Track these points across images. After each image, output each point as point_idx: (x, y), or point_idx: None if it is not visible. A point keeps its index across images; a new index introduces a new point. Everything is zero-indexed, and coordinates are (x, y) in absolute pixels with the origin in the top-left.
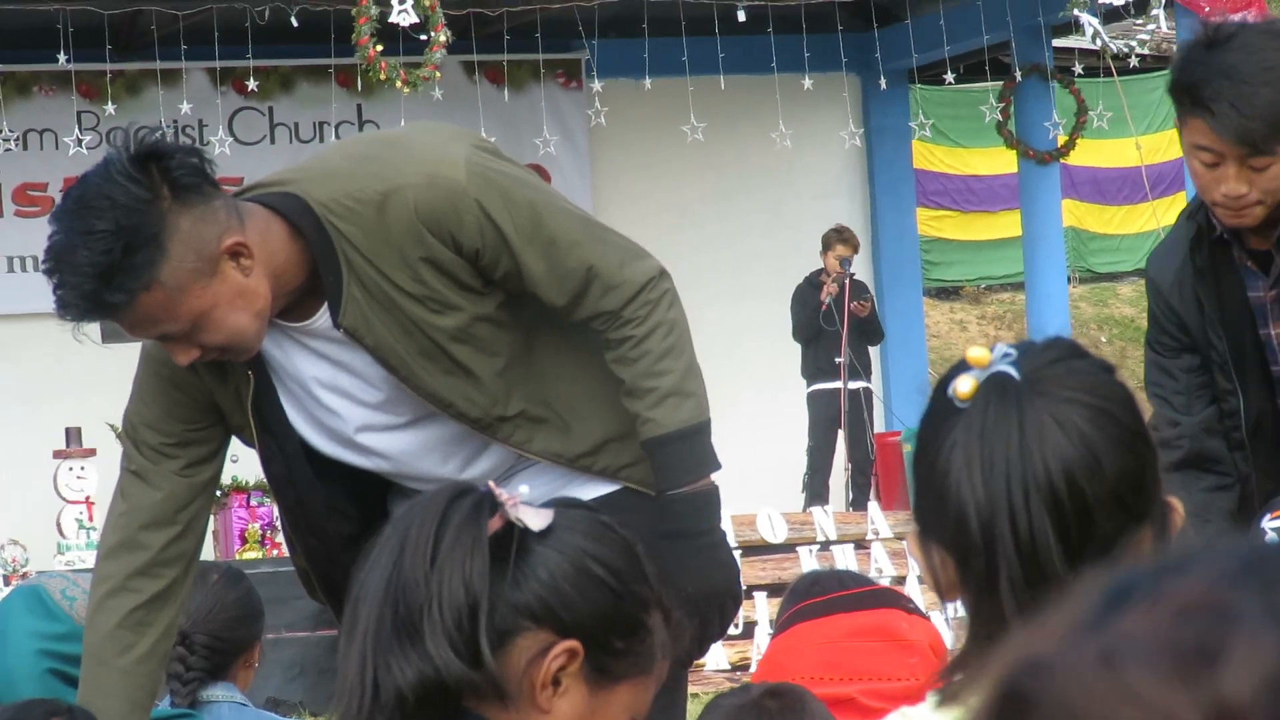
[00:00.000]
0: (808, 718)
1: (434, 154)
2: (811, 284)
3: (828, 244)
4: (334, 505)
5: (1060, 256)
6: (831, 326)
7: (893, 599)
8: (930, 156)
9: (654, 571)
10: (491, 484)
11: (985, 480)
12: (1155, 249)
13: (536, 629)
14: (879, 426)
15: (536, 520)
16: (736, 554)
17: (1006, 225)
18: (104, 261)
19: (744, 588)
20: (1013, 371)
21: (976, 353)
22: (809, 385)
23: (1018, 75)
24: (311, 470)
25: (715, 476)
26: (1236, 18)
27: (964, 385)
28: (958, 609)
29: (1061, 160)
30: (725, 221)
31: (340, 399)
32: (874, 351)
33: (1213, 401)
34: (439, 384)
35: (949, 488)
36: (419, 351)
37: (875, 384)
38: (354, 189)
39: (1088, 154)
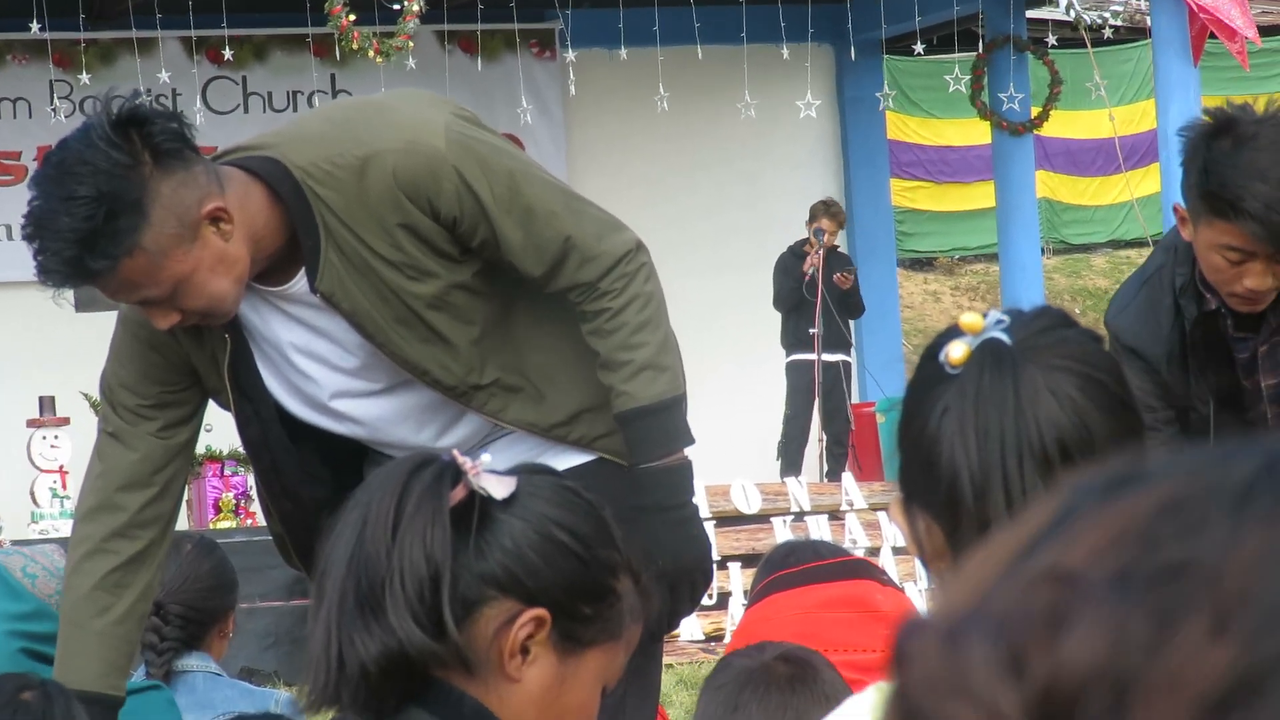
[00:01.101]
0: (820, 686)
1: (414, 120)
2: (795, 253)
3: (812, 215)
4: (309, 470)
5: (1034, 228)
6: (812, 298)
7: (868, 570)
8: (904, 127)
9: (622, 536)
10: (455, 453)
11: (979, 446)
12: (1124, 315)
13: (502, 598)
14: (855, 398)
15: (500, 488)
16: (710, 525)
17: (980, 196)
18: (86, 228)
19: (718, 558)
20: (1005, 338)
21: (970, 319)
22: (788, 355)
23: (982, 46)
24: (287, 435)
25: (691, 447)
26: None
27: (957, 351)
28: (933, 581)
29: (1035, 131)
30: (700, 193)
31: (316, 364)
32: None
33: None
34: (415, 351)
35: (940, 453)
36: (395, 318)
37: (849, 355)
38: (333, 154)
39: (1061, 125)
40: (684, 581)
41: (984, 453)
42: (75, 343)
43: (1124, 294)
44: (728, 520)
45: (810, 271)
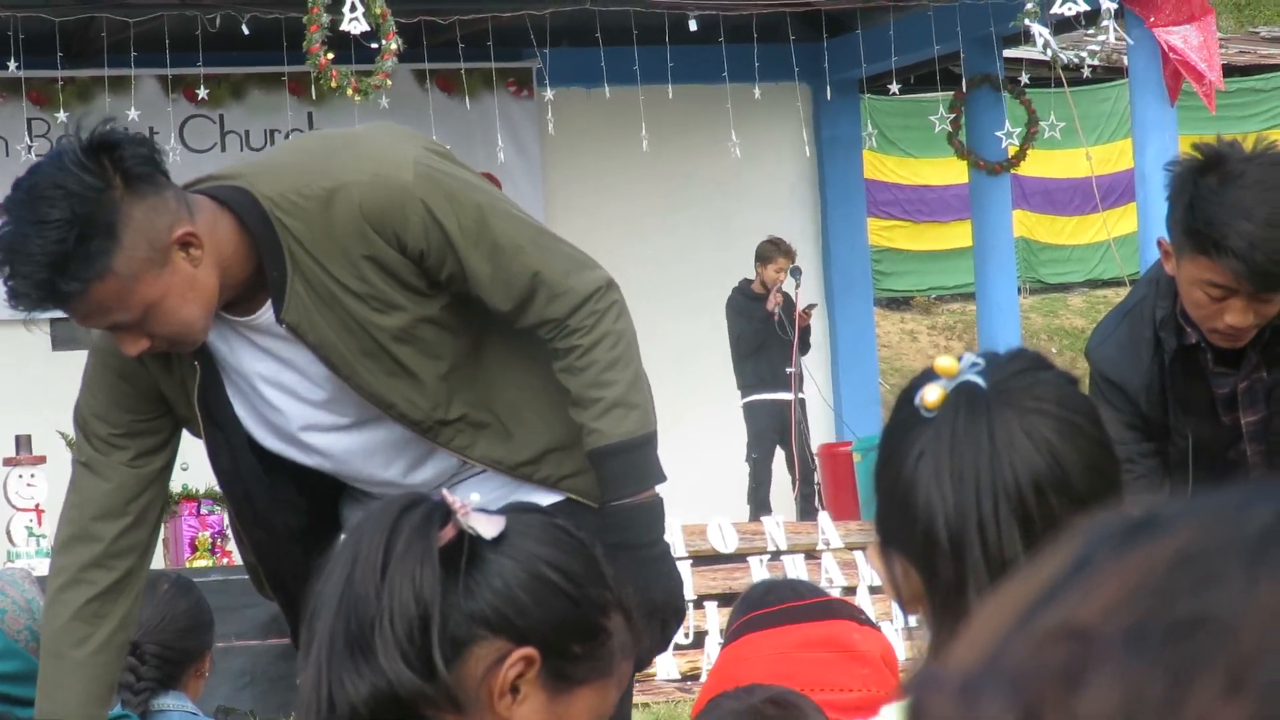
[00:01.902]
0: None
1: (382, 153)
2: (745, 295)
3: (765, 256)
4: (283, 497)
5: (1011, 267)
6: (786, 336)
7: (846, 610)
8: (881, 167)
9: (613, 574)
10: (445, 492)
11: (955, 490)
12: (1105, 346)
13: (492, 637)
14: (826, 436)
15: (489, 527)
16: (686, 564)
17: (957, 235)
18: (58, 250)
19: (694, 597)
20: (980, 381)
21: (945, 362)
22: (745, 396)
23: (964, 86)
24: (260, 465)
25: (666, 486)
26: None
27: (932, 395)
28: (910, 621)
29: (1012, 171)
30: (676, 233)
31: (284, 396)
32: (822, 361)
33: (1162, 484)
34: (381, 384)
35: (916, 498)
36: (361, 351)
37: (825, 394)
38: (301, 185)
39: (1039, 164)
40: (654, 620)
41: (959, 496)
42: (51, 381)
43: (1105, 326)
44: (704, 560)
45: (777, 311)
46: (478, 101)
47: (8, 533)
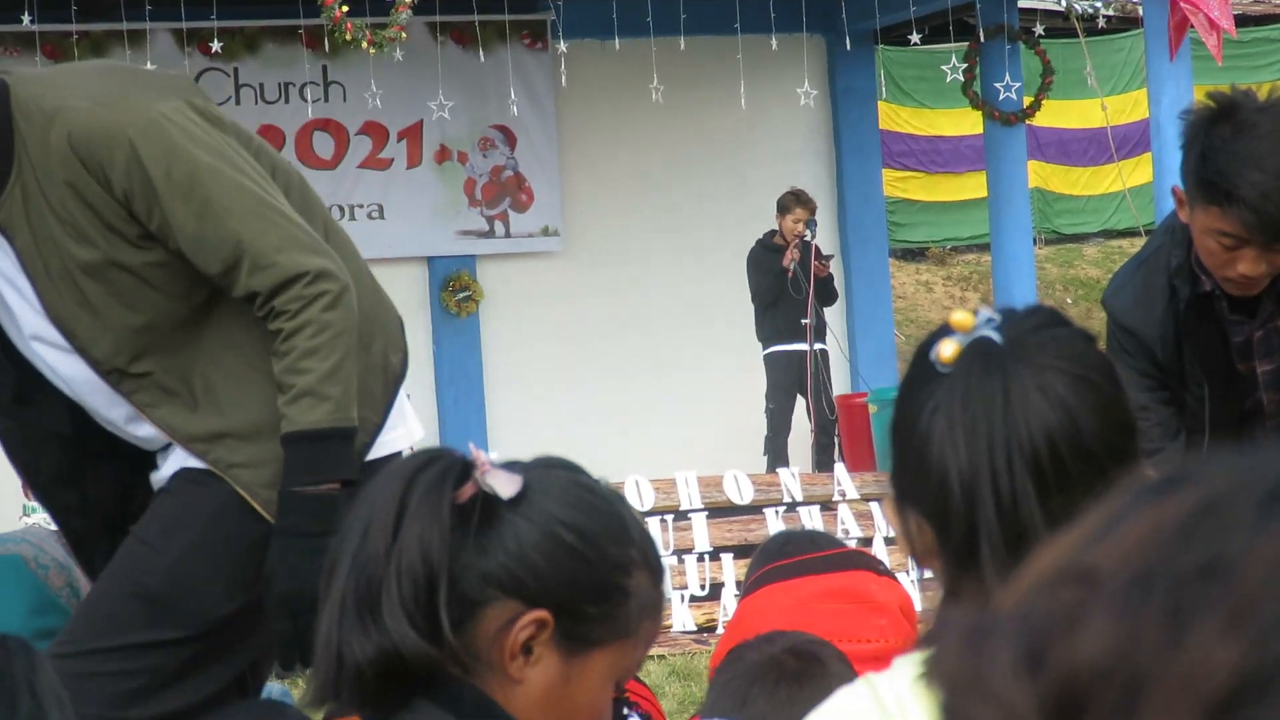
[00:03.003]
0: (827, 680)
1: (121, 93)
2: (765, 247)
3: (785, 207)
4: (52, 424)
5: (1026, 218)
6: (799, 294)
7: (864, 561)
8: (896, 118)
9: (640, 531)
10: (472, 447)
11: (968, 444)
12: (1120, 295)
13: (505, 599)
14: (842, 388)
15: (507, 486)
16: (702, 516)
17: (972, 187)
18: None
19: (710, 548)
20: (996, 337)
21: (960, 317)
22: (765, 347)
23: (979, 36)
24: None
25: (685, 439)
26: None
27: (947, 349)
28: (924, 575)
29: (1027, 121)
30: (690, 186)
31: (16, 298)
32: (838, 313)
33: (1179, 430)
34: (67, 310)
35: (930, 452)
36: (55, 271)
37: (841, 345)
38: (40, 96)
39: (1053, 115)
40: (284, 610)
41: (973, 452)
42: None
43: (1122, 274)
44: (720, 511)
45: (792, 265)
46: (491, 54)
47: (24, 490)
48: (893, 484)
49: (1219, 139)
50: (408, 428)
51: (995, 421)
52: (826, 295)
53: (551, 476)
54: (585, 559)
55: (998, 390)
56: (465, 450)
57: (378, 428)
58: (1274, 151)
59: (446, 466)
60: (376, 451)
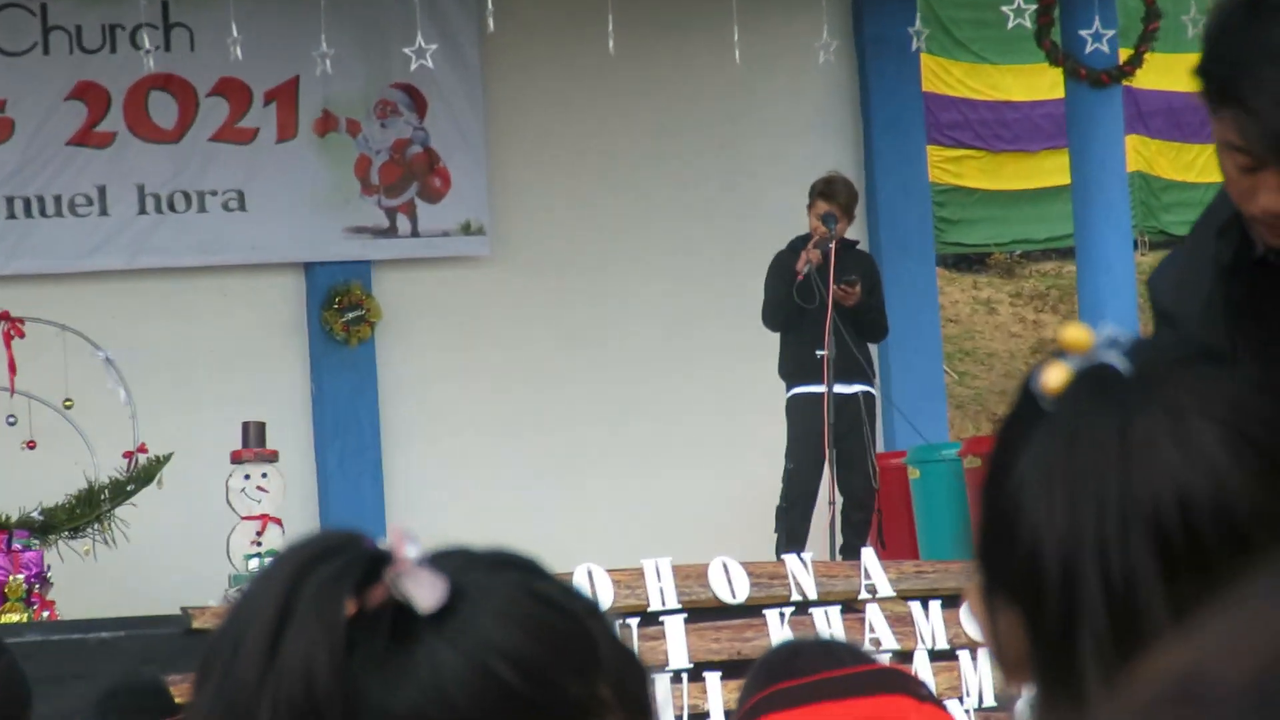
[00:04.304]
0: None
1: None
2: (795, 250)
3: (811, 196)
4: None
5: (1123, 212)
6: (810, 303)
7: (899, 682)
8: (946, 76)
9: (618, 656)
10: (395, 530)
11: (1070, 503)
12: (1162, 266)
13: None
14: (880, 444)
15: (427, 594)
16: (679, 619)
17: (1049, 170)
18: None
19: (690, 665)
20: (1121, 363)
21: (1075, 333)
22: (789, 388)
23: None
24: None
25: (652, 515)
26: None
27: (1054, 377)
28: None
29: (1125, 82)
30: (664, 167)
31: None
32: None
33: None
34: None
35: (1021, 514)
36: None
37: (872, 385)
38: None
39: (1159, 74)
40: None
41: (1075, 514)
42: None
43: (1179, 245)
44: (704, 613)
45: (806, 270)
46: None
47: (226, 548)
48: (979, 563)
49: (1235, 19)
50: None
51: (1108, 475)
52: (863, 328)
53: (494, 581)
54: (529, 702)
55: (1114, 433)
56: (379, 532)
57: None
58: None
59: (348, 561)
60: None
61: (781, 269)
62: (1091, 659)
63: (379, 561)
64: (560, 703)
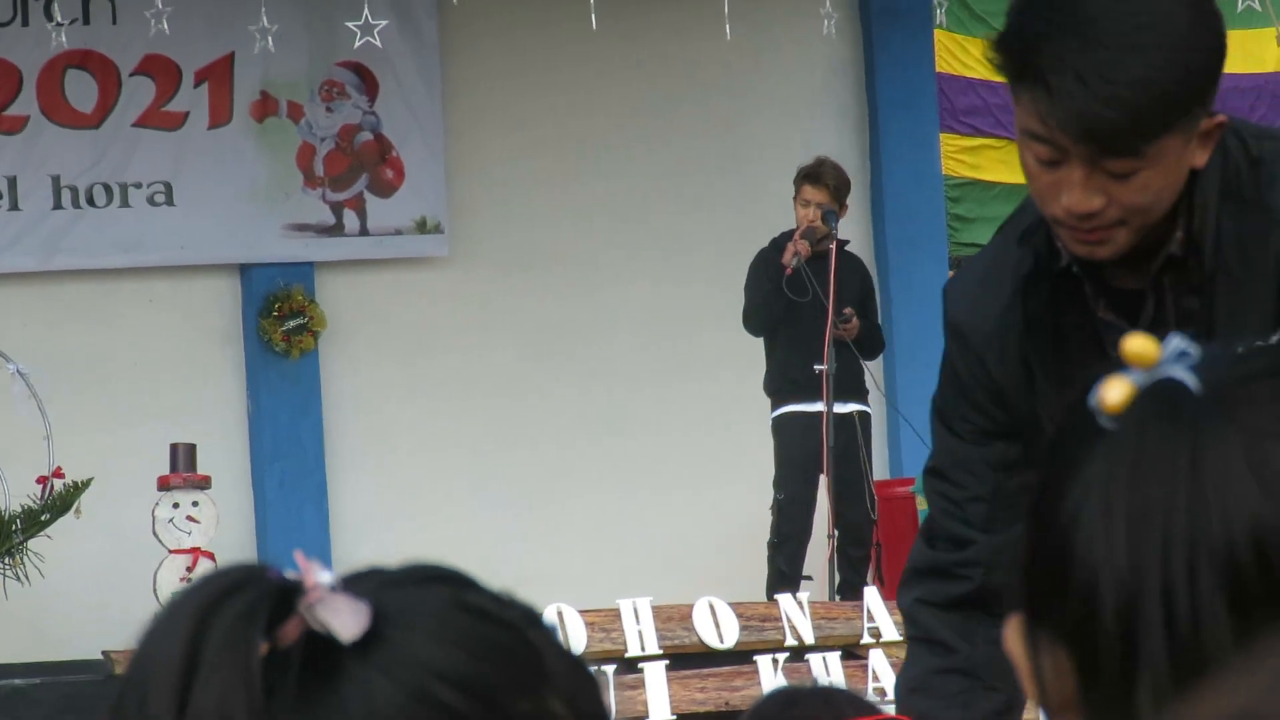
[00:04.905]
0: None
1: None
2: (779, 247)
3: (796, 185)
4: None
5: None
6: (802, 297)
7: None
8: (963, 56)
9: (566, 667)
10: (300, 557)
11: (1132, 537)
12: (957, 275)
13: None
14: (879, 471)
15: (349, 622)
16: (660, 666)
17: None
18: None
19: (673, 717)
20: (1190, 380)
21: (1138, 345)
22: (775, 406)
23: None
24: None
25: (631, 549)
26: None
27: (1115, 393)
28: None
29: None
30: (647, 156)
31: None
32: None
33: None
34: None
35: (1075, 546)
36: None
37: (877, 405)
38: None
39: None
40: None
41: (1137, 549)
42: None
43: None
44: (688, 659)
45: (795, 263)
46: None
47: (153, 585)
48: (1023, 598)
49: None
50: None
51: (1176, 506)
52: (863, 346)
53: (419, 599)
54: None
55: (1183, 459)
56: (287, 563)
57: None
58: (1111, 10)
59: (257, 596)
60: None
61: (765, 267)
62: (1150, 706)
63: (289, 593)
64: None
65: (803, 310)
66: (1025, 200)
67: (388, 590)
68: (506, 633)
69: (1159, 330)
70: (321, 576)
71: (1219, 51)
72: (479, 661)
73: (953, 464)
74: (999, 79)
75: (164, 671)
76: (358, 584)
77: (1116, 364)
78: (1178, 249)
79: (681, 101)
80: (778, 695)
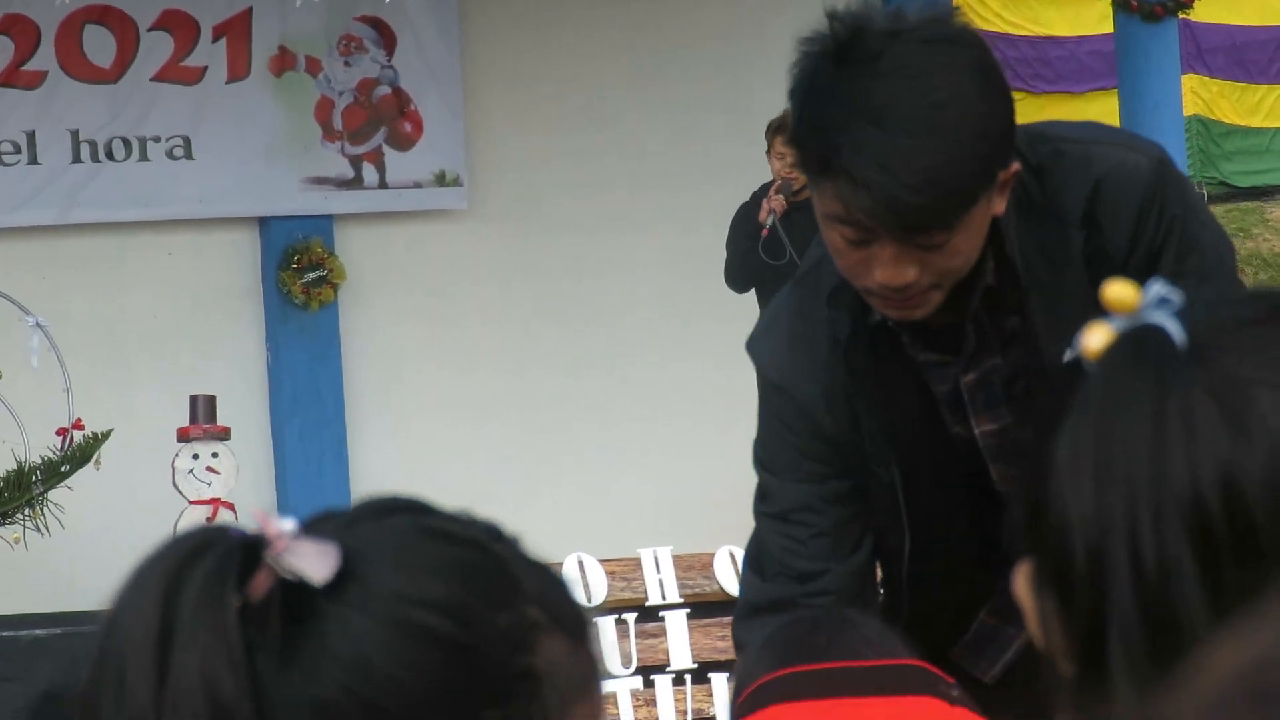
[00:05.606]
0: None
1: None
2: (758, 200)
3: (768, 138)
4: None
5: (1179, 161)
6: (778, 260)
7: (929, 683)
8: (981, 9)
9: (538, 577)
10: (258, 514)
11: (1098, 484)
12: (761, 333)
13: None
14: None
15: (318, 564)
16: (681, 614)
17: (1097, 113)
18: None
19: (694, 665)
20: (1173, 326)
21: (1120, 290)
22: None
23: None
24: None
25: (648, 501)
26: None
27: (1094, 339)
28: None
29: (1182, 15)
30: (663, 111)
31: None
32: None
33: (861, 538)
34: None
35: (1049, 494)
36: None
37: None
38: None
39: (1221, 6)
40: None
41: (1104, 497)
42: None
43: (775, 303)
44: (709, 608)
45: (770, 221)
46: None
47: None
48: (1026, 543)
49: (824, 75)
50: None
51: (1138, 453)
52: None
53: (383, 532)
54: (461, 645)
55: (1147, 407)
56: (248, 520)
57: None
58: (904, 96)
59: (223, 554)
60: None
61: (744, 223)
62: (1119, 655)
63: (254, 547)
64: (493, 638)
65: (784, 268)
66: (820, 258)
67: (350, 529)
68: (472, 551)
69: (983, 358)
70: (284, 526)
71: (1010, 105)
72: (451, 583)
73: (793, 508)
74: (1019, 32)
75: (139, 642)
76: (319, 527)
77: (943, 400)
78: (992, 279)
79: (694, 60)
80: (800, 621)
